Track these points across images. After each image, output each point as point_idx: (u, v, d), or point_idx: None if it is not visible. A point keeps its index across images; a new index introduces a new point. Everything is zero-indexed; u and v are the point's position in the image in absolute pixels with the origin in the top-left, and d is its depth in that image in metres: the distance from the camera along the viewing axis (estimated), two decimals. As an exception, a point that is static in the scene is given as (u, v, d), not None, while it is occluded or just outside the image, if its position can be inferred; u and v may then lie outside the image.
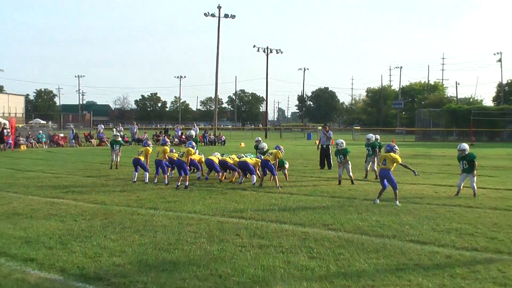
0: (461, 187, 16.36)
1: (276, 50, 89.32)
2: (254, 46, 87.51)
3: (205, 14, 70.93)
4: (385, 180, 14.70)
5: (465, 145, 16.91)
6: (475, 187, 16.22)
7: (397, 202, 14.46)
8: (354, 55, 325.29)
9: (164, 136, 38.33)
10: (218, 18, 71.74)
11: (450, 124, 73.17)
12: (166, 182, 19.33)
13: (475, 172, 16.44)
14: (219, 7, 71.87)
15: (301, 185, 18.94)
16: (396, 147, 15.31)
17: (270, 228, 11.34)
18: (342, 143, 19.52)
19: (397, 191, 14.71)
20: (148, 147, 21.02)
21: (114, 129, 48.13)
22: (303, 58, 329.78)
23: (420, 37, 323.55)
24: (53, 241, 10.12)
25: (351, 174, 19.51)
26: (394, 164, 14.81)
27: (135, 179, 19.97)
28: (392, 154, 14.89)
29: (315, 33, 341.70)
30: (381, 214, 13.09)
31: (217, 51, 72.57)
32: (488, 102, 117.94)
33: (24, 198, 15.88)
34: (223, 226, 11.52)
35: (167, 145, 20.73)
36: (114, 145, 25.80)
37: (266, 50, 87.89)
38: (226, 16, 72.03)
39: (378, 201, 14.61)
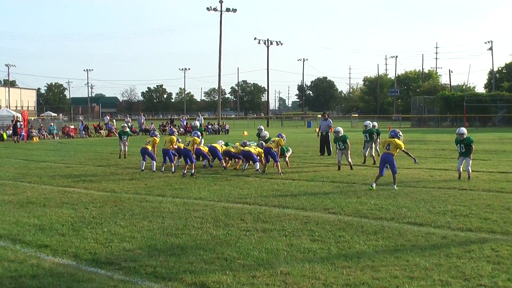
0: (461, 170, 16.68)
1: (276, 42, 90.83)
2: (255, 38, 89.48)
3: (208, 9, 71.93)
4: (387, 164, 14.94)
5: (464, 129, 17.30)
6: (470, 170, 16.53)
7: (395, 186, 14.79)
8: (351, 45, 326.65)
9: (171, 126, 38.63)
10: (220, 12, 72.59)
11: (444, 111, 73.49)
12: (173, 170, 19.74)
13: (471, 155, 16.78)
14: (221, 2, 72.64)
15: (302, 171, 19.22)
16: (401, 134, 15.55)
17: (273, 213, 11.59)
18: (341, 131, 19.71)
19: (396, 175, 15.03)
20: (155, 137, 21.66)
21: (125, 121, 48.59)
22: (303, 49, 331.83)
23: (414, 27, 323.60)
24: (66, 228, 10.35)
25: (350, 160, 19.75)
26: (397, 150, 15.10)
27: (143, 168, 20.33)
28: (396, 140, 15.16)
29: (314, 25, 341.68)
30: (379, 197, 13.33)
31: (219, 44, 73.60)
32: (480, 89, 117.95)
33: (38, 187, 16.19)
34: (228, 212, 11.76)
35: (174, 135, 21.11)
36: (122, 136, 26.12)
37: (266, 42, 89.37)
38: (228, 10, 72.94)
39: (374, 185, 14.85)
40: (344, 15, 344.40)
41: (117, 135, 36.35)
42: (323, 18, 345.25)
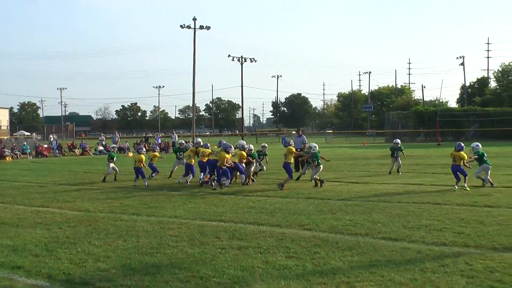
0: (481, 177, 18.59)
1: (250, 59, 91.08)
2: (229, 55, 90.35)
3: (181, 26, 71.89)
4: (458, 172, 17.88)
5: (477, 143, 19.53)
6: (488, 179, 18.43)
7: (466, 184, 17.49)
8: (325, 62, 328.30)
9: (140, 144, 38.50)
10: (194, 29, 72.46)
11: (418, 126, 74.04)
12: (146, 184, 20.58)
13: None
14: (194, 19, 72.67)
15: (277, 188, 19.20)
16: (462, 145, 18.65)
17: (248, 230, 11.56)
18: (315, 147, 19.71)
19: (466, 177, 17.69)
20: (155, 152, 23.94)
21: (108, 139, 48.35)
22: (277, 66, 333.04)
23: (387, 43, 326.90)
24: (39, 249, 10.24)
25: (315, 177, 19.33)
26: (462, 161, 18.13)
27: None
28: (461, 152, 18.19)
29: (287, 42, 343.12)
30: (354, 213, 13.38)
31: (193, 61, 73.48)
32: (453, 103, 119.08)
33: (11, 207, 15.99)
34: (203, 229, 11.73)
35: (142, 153, 21.91)
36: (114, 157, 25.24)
37: (240, 59, 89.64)
38: (201, 27, 72.86)
39: (457, 187, 17.48)
40: (317, 32, 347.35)
41: (91, 153, 36.09)
42: (297, 34, 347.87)
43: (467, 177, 17.88)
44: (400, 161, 23.47)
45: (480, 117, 70.51)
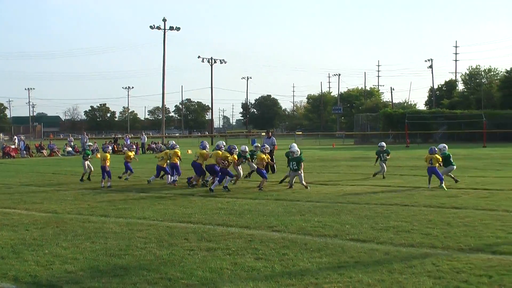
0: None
1: (220, 61, 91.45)
2: (199, 57, 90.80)
3: (151, 27, 71.79)
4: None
5: (444, 145, 20.24)
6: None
7: (443, 185, 18.54)
8: (295, 63, 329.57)
9: (107, 144, 38.25)
10: (163, 30, 72.30)
11: (387, 128, 74.68)
12: (109, 184, 20.82)
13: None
14: (164, 20, 72.54)
15: (246, 189, 19.21)
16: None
17: (217, 232, 11.53)
18: (297, 151, 19.28)
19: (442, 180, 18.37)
20: (130, 151, 24.85)
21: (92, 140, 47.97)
22: (246, 68, 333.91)
23: (357, 45, 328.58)
24: (6, 251, 10.11)
25: (303, 182, 18.99)
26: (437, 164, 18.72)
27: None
28: (437, 155, 18.69)
29: (257, 43, 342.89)
30: (323, 214, 13.41)
31: (163, 62, 73.18)
32: (421, 106, 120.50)
33: (-24, 210, 15.72)
34: (172, 231, 11.67)
35: (108, 152, 22.44)
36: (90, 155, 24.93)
37: (210, 61, 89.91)
38: (171, 28, 72.71)
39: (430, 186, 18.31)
40: (287, 33, 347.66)
41: (59, 154, 35.69)
42: (267, 36, 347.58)
43: (443, 180, 18.43)
44: (385, 166, 22.77)
45: (448, 120, 71.41)
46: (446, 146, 19.98)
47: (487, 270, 8.19)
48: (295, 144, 19.93)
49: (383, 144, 23.92)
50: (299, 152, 19.40)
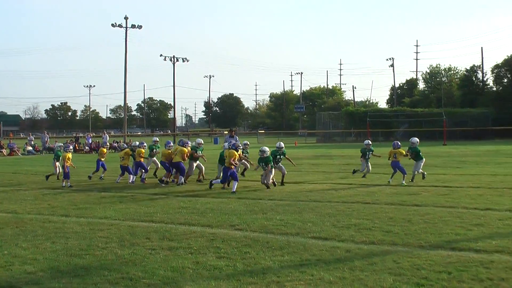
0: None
1: (183, 59, 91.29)
2: (161, 55, 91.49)
3: (113, 25, 71.78)
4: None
5: (416, 139, 20.73)
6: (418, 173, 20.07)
7: (404, 182, 19.34)
8: (257, 62, 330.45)
9: (68, 143, 37.75)
10: (125, 28, 72.01)
11: (349, 126, 75.32)
12: (70, 185, 20.56)
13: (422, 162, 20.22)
14: (126, 18, 72.53)
15: (209, 188, 19.09)
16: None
17: (179, 230, 11.47)
18: (266, 151, 18.98)
19: (405, 175, 19.10)
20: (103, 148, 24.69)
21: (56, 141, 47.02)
22: (209, 66, 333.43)
23: (319, 44, 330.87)
24: (-38, 252, 9.91)
25: (269, 181, 18.81)
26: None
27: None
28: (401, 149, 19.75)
29: (220, 42, 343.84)
30: (285, 213, 13.43)
31: (125, 61, 72.98)
32: (383, 104, 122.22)
33: None
34: (133, 230, 11.59)
35: (69, 151, 22.53)
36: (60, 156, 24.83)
37: (172, 59, 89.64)
38: (133, 26, 72.73)
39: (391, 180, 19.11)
40: (249, 31, 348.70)
41: (19, 154, 35.10)
42: (230, 35, 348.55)
43: (405, 175, 19.18)
44: (370, 166, 22.27)
45: (409, 118, 72.29)
46: (418, 141, 20.69)
47: (446, 267, 8.29)
48: (266, 148, 19.56)
49: (369, 142, 23.07)
50: (268, 153, 19.01)
